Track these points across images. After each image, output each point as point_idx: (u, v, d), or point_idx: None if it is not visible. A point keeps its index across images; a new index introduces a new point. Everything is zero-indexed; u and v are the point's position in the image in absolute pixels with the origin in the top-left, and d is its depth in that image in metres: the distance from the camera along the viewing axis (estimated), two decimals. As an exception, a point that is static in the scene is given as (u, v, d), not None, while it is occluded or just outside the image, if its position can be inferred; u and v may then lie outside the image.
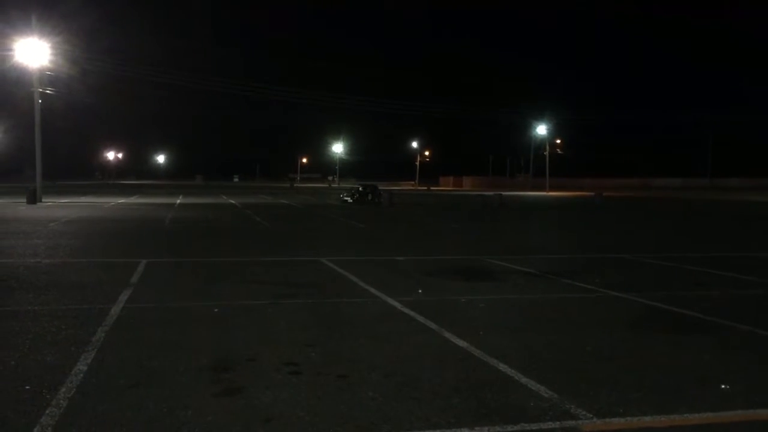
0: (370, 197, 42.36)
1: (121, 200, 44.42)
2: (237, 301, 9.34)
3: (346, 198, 43.55)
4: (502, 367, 6.22)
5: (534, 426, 4.80)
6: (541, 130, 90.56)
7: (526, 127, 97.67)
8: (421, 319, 8.28)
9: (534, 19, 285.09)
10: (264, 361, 6.32)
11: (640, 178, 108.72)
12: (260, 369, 6.06)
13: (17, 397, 5.22)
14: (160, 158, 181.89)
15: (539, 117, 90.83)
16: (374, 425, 4.75)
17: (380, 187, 45.48)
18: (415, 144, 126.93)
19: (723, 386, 5.74)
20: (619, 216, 34.36)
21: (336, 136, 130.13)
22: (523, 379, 5.85)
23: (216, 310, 8.67)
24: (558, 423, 4.85)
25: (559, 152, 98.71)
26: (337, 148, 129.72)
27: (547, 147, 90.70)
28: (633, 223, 29.16)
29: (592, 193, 56.45)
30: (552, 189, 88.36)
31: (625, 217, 34.18)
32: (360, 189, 43.82)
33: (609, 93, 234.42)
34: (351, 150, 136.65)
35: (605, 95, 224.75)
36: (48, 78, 42.03)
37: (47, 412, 4.89)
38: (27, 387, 5.45)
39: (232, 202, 45.28)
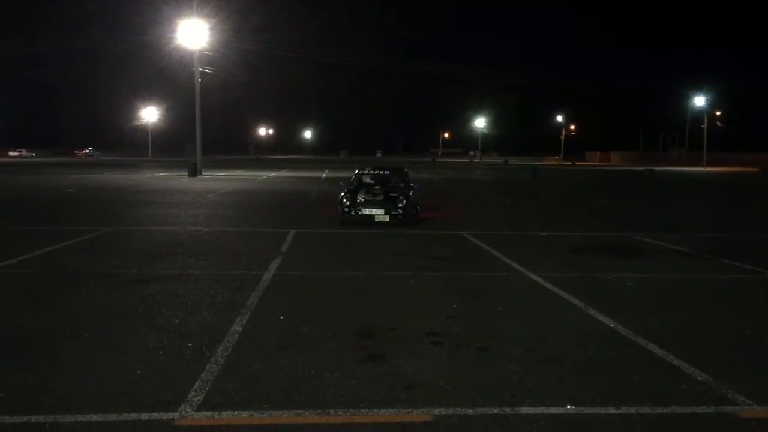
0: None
1: (272, 174, 46.52)
2: (379, 271, 9.56)
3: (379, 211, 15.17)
4: (652, 347, 5.95)
5: (687, 409, 4.57)
6: (699, 101, 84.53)
7: (681, 99, 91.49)
8: (564, 295, 8.08)
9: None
10: (405, 330, 6.43)
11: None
12: (402, 338, 6.18)
13: (181, 353, 5.66)
14: (307, 134, 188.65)
15: (696, 88, 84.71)
16: (515, 399, 4.71)
17: (524, 162, 35.66)
18: (560, 118, 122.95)
19: None
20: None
21: (478, 110, 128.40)
22: (675, 361, 5.57)
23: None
24: (713, 408, 4.59)
25: (719, 125, 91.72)
26: (479, 122, 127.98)
27: (706, 119, 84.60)
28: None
29: (756, 169, 52.27)
30: (710, 164, 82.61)
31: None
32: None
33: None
34: (493, 125, 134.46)
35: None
36: (206, 58, 44.71)
37: (207, 368, 5.26)
38: (189, 344, 5.90)
39: (375, 176, 46.00)
